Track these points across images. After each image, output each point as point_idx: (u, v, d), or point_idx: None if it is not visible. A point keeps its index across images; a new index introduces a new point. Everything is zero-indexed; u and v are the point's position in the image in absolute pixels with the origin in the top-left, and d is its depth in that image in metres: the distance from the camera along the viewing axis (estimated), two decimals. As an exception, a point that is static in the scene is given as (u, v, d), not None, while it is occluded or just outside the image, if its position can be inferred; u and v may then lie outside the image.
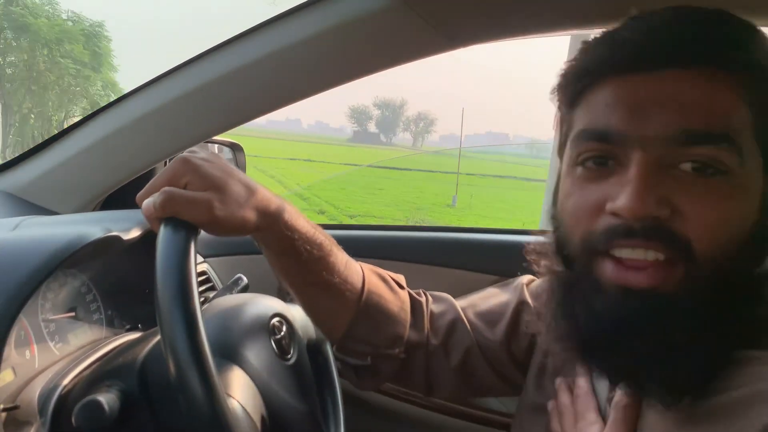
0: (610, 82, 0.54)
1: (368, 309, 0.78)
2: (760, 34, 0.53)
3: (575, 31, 0.95)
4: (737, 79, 0.51)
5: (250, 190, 0.65)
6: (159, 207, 0.57)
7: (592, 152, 0.54)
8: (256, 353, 0.71)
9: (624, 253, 0.52)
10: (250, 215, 0.64)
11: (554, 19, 0.96)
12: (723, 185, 0.50)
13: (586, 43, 0.58)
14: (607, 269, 0.53)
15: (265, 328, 0.75)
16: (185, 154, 0.61)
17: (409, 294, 0.85)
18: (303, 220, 0.71)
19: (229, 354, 0.69)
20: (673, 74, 0.51)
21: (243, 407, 0.64)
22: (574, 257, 0.57)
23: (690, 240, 0.50)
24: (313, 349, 0.89)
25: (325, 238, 0.74)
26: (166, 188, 0.58)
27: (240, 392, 0.65)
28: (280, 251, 0.71)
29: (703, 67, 0.51)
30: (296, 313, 0.85)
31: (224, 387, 0.56)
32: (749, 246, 0.51)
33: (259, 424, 0.66)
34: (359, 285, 0.78)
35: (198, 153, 0.63)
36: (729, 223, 0.50)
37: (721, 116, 0.50)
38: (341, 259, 0.76)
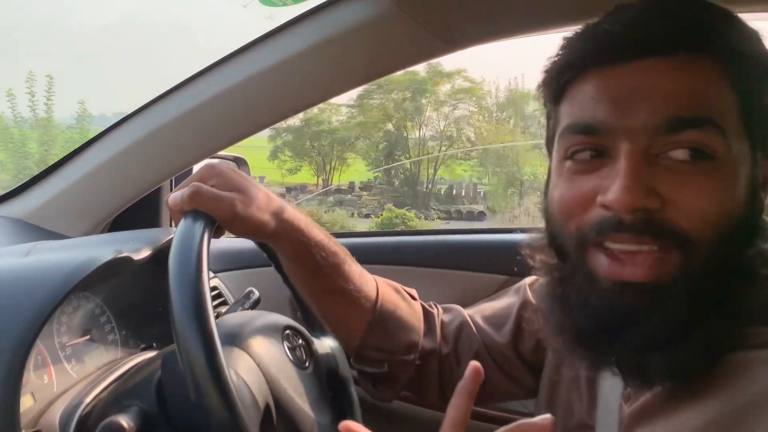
0: (592, 76, 0.54)
1: (383, 316, 0.79)
2: (737, 18, 0.55)
3: (571, 28, 0.95)
4: (717, 63, 0.51)
5: (269, 198, 0.70)
6: (186, 198, 0.63)
7: (581, 145, 0.55)
8: (265, 347, 0.71)
9: (617, 245, 0.52)
10: (268, 219, 0.69)
11: (549, 17, 0.96)
12: (712, 170, 0.50)
13: (566, 38, 0.58)
14: (602, 262, 0.53)
15: (278, 332, 0.76)
16: (211, 161, 0.67)
17: (422, 305, 0.87)
18: (317, 230, 0.75)
19: (237, 342, 0.69)
20: (654, 63, 0.52)
21: (247, 386, 0.63)
22: (567, 250, 0.57)
23: (684, 229, 0.50)
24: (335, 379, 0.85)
25: (338, 247, 0.77)
26: (195, 184, 0.64)
27: (245, 372, 0.65)
28: (295, 258, 0.74)
29: (682, 54, 0.51)
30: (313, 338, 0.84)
31: (228, 363, 0.56)
32: (741, 229, 0.51)
33: (262, 407, 0.65)
34: (373, 294, 0.80)
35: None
36: (721, 208, 0.50)
37: (705, 101, 0.51)
38: (355, 269, 0.79)
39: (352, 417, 0.84)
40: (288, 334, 0.77)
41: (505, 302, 0.86)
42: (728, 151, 0.50)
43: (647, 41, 0.52)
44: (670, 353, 0.51)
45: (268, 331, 0.75)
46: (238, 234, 0.69)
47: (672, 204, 0.50)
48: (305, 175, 19.81)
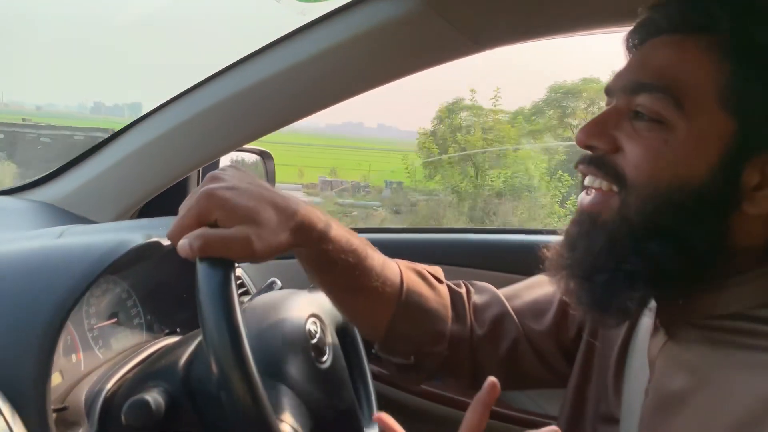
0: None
1: (408, 307, 0.77)
2: (757, 4, 0.57)
3: (601, 30, 0.95)
4: (711, 43, 0.56)
5: (281, 211, 0.63)
6: (197, 250, 0.57)
7: (607, 106, 0.64)
8: (297, 367, 0.72)
9: (586, 181, 0.63)
10: (284, 238, 0.63)
11: (579, 19, 0.96)
12: (657, 132, 0.57)
13: None
14: (581, 194, 0.65)
15: (302, 335, 0.76)
16: (209, 186, 0.60)
17: (449, 287, 0.84)
18: (335, 228, 0.69)
19: (275, 373, 0.70)
20: (658, 40, 0.60)
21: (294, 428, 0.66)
22: None
23: (624, 172, 0.58)
24: (342, 333, 0.90)
25: (359, 242, 0.73)
26: (200, 232, 0.57)
27: (290, 415, 0.67)
28: (315, 264, 0.71)
29: (680, 34, 0.58)
30: (325, 302, 0.84)
31: (276, 412, 0.58)
32: (691, 197, 0.56)
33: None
34: (397, 284, 0.77)
35: (225, 174, 0.62)
36: (659, 168, 0.57)
37: (668, 72, 0.57)
38: (377, 261, 0.75)
39: (368, 403, 0.85)
40: (310, 330, 0.78)
41: (545, 290, 0.85)
42: (682, 121, 0.56)
43: (658, 23, 0.61)
44: (595, 285, 0.60)
45: (295, 341, 0.75)
46: (254, 263, 0.64)
47: (622, 151, 0.59)
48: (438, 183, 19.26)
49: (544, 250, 0.69)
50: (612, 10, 0.90)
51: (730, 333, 0.56)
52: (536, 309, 0.84)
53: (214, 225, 0.59)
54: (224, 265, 0.57)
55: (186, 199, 0.63)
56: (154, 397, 0.63)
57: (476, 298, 0.85)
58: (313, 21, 1.00)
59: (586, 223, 0.62)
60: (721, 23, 0.56)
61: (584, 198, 0.63)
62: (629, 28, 0.65)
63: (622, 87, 0.61)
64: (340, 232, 0.70)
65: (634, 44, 0.64)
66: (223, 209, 0.59)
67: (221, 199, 0.59)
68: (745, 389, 0.51)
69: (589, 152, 0.63)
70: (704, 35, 0.57)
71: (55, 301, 0.65)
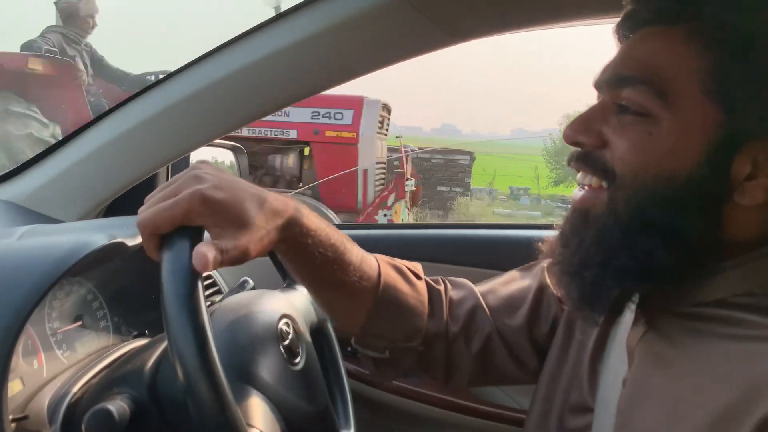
0: None
1: (385, 303, 0.77)
2: None
3: (578, 23, 0.95)
4: (690, 34, 0.56)
5: (266, 209, 0.62)
6: (210, 266, 0.54)
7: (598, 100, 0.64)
8: (268, 369, 0.70)
9: (578, 177, 0.63)
10: (273, 236, 0.63)
11: (555, 12, 0.95)
12: (642, 125, 0.56)
13: None
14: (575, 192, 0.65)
15: (273, 336, 0.74)
16: (198, 187, 0.57)
17: (427, 283, 0.85)
18: (316, 221, 0.69)
19: (244, 376, 0.68)
20: (644, 32, 0.60)
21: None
22: None
23: (612, 167, 0.58)
24: (316, 332, 0.89)
25: (338, 236, 0.73)
26: (206, 242, 0.55)
27: (261, 420, 0.65)
28: (294, 257, 0.71)
29: (665, 24, 0.58)
30: (298, 302, 0.84)
31: (245, 417, 0.56)
32: (678, 187, 0.55)
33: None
34: (375, 280, 0.77)
35: (207, 174, 0.60)
36: (644, 159, 0.56)
37: (650, 63, 0.57)
38: (356, 255, 0.75)
39: (344, 403, 0.85)
40: (281, 330, 0.76)
41: (520, 285, 0.86)
42: (666, 113, 0.55)
43: (641, 14, 0.61)
44: (585, 278, 0.60)
45: (265, 342, 0.73)
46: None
47: (609, 146, 0.59)
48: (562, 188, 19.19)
49: (539, 245, 0.70)
50: (590, 2, 0.89)
51: (707, 321, 0.56)
52: (511, 304, 0.84)
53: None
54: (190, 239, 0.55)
55: (158, 189, 0.60)
56: (118, 404, 0.60)
57: (453, 294, 0.85)
58: (285, 11, 0.98)
59: (577, 219, 0.63)
60: (702, 12, 0.56)
61: (576, 194, 0.64)
62: (609, 20, 0.65)
63: (607, 81, 0.61)
64: (320, 225, 0.70)
65: (624, 35, 0.63)
66: (217, 215, 0.57)
67: (214, 203, 0.57)
68: (719, 380, 0.51)
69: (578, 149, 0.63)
70: (685, 25, 0.56)
71: (12, 305, 0.62)
